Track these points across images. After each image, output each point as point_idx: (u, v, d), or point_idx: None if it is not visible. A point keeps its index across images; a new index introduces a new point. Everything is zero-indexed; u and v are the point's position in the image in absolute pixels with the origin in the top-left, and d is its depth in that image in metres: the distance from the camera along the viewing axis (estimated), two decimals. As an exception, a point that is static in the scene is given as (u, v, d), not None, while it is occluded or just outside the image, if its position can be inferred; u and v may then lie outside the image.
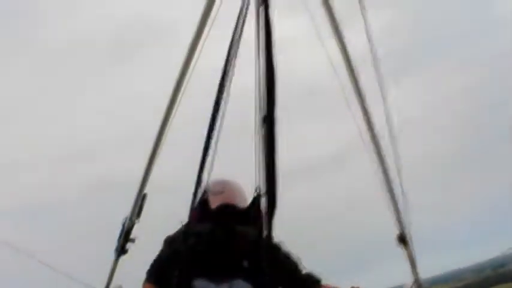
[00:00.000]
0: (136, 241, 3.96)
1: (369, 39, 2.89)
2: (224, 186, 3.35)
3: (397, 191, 3.98)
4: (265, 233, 2.66)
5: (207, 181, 3.03)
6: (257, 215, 3.40)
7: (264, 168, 2.62)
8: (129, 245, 3.93)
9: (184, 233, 3.14)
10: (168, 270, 3.13)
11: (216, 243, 3.19)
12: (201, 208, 3.16)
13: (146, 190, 3.81)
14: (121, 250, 3.88)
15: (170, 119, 3.54)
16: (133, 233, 3.91)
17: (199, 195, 3.04)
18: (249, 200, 3.47)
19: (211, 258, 3.15)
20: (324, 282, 3.53)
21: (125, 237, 3.84)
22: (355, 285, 3.94)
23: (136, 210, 3.77)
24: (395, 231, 4.20)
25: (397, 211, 4.02)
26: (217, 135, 2.99)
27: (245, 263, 3.21)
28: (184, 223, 3.25)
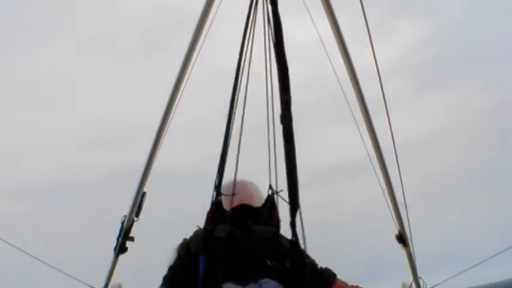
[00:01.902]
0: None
1: (374, 57, 2.84)
2: (239, 187, 3.29)
3: (397, 189, 3.97)
4: (292, 230, 2.67)
5: (223, 182, 3.02)
6: (272, 213, 3.38)
7: (285, 167, 2.60)
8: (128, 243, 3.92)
9: (203, 237, 3.10)
10: (187, 276, 3.09)
11: (236, 245, 3.13)
12: (216, 210, 3.12)
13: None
14: (120, 249, 3.86)
15: (170, 117, 3.50)
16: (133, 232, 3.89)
17: (215, 196, 3.03)
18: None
19: (234, 261, 3.09)
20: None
21: (124, 236, 3.83)
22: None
23: (136, 208, 3.75)
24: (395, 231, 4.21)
25: (396, 209, 4.01)
26: (229, 137, 2.97)
27: (268, 262, 3.15)
28: (200, 226, 3.21)
